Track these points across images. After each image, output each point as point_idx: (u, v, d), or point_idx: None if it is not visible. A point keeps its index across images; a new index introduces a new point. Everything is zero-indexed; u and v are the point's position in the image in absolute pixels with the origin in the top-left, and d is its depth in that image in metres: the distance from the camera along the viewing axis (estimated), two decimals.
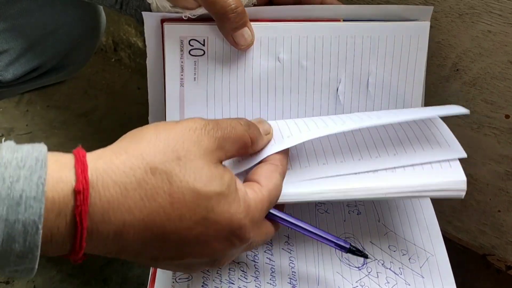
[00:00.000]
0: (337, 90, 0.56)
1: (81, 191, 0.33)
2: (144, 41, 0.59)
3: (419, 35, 0.55)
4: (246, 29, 0.53)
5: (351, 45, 0.54)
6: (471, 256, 0.73)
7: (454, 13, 0.57)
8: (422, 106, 0.57)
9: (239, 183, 0.41)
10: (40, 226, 0.32)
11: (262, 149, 0.47)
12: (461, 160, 0.66)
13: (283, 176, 0.46)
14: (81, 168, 0.34)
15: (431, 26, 0.58)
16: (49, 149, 0.35)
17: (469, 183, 0.68)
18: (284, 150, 0.47)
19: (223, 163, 0.42)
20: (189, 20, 0.56)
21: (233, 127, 0.42)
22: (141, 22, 0.57)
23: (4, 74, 0.59)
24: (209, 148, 0.39)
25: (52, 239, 0.33)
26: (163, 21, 0.56)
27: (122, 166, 0.35)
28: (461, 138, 0.64)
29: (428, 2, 0.57)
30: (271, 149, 0.47)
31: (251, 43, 0.54)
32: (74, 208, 0.33)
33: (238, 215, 0.39)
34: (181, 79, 0.55)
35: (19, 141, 0.34)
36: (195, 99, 0.56)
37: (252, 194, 0.42)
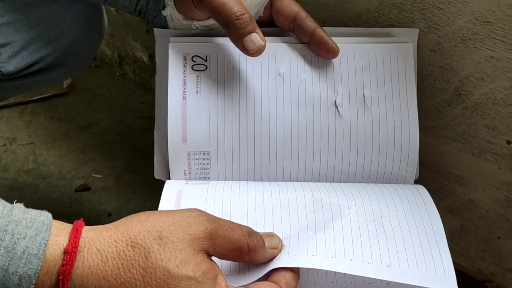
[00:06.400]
0: (335, 102, 0.57)
1: (69, 252, 0.38)
2: (149, 56, 0.60)
3: (404, 55, 0.58)
4: (254, 34, 0.52)
5: (344, 62, 0.58)
6: (470, 282, 0.72)
7: (457, 38, 0.57)
8: (416, 120, 0.58)
9: (222, 279, 0.41)
10: (34, 281, 0.36)
11: (265, 262, 0.46)
12: (462, 185, 0.66)
13: None
14: (74, 234, 0.39)
15: (434, 51, 0.59)
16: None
17: (469, 208, 0.68)
18: (294, 273, 0.45)
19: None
20: (195, 35, 0.57)
21: (231, 228, 0.43)
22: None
23: (6, 66, 0.60)
24: (196, 235, 0.40)
25: None
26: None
27: (108, 238, 0.39)
28: (461, 162, 0.65)
29: (432, 26, 0.58)
30: (273, 264, 0.45)
31: (262, 48, 0.53)
32: (60, 267, 0.37)
33: None
34: (184, 92, 0.57)
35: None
36: (197, 111, 0.57)
37: None
